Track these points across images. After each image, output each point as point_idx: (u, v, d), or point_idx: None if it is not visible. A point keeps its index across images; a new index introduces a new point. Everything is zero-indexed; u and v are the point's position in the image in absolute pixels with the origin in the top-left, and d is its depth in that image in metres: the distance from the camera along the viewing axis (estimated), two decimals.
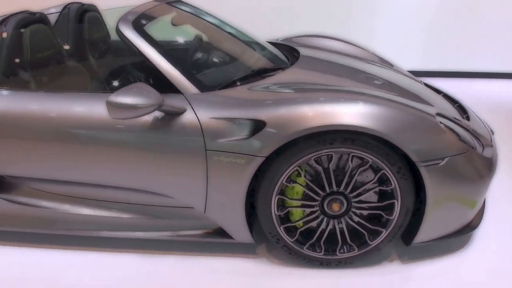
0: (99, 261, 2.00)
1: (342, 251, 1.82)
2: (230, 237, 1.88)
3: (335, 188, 1.71)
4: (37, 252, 2.06)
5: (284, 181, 1.69)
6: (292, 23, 4.56)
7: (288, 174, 1.67)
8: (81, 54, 2.55)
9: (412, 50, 4.56)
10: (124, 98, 1.61)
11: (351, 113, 1.60)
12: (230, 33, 2.46)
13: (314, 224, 1.80)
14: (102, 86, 2.29)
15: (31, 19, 2.18)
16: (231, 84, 1.91)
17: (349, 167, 1.67)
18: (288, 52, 2.52)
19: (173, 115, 1.73)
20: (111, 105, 1.61)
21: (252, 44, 2.45)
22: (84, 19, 2.63)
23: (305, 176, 1.71)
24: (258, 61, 2.25)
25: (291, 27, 3.87)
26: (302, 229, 1.80)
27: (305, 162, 1.66)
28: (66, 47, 2.42)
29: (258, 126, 1.64)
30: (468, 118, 2.15)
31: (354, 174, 1.69)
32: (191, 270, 1.93)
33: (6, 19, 2.13)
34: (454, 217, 1.81)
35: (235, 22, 2.65)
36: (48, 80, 2.24)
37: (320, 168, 1.68)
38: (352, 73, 2.25)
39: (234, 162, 1.68)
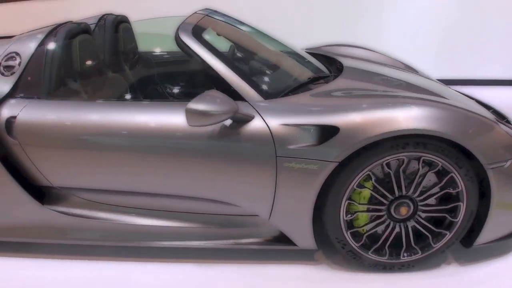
0: (156, 271, 1.96)
1: (406, 254, 1.85)
2: (292, 243, 1.88)
3: (404, 192, 1.75)
4: (93, 264, 2.02)
5: (355, 186, 1.72)
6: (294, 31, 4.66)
7: (360, 178, 1.70)
8: (119, 64, 2.54)
9: (425, 58, 4.71)
10: (203, 105, 1.61)
11: (424, 118, 1.65)
12: (271, 43, 2.50)
13: (380, 228, 1.82)
14: (158, 95, 2.28)
15: (78, 30, 2.15)
16: (290, 92, 1.94)
17: (418, 171, 1.71)
18: (325, 62, 2.57)
19: (241, 122, 1.74)
20: (189, 113, 1.62)
21: (293, 53, 2.49)
22: (119, 30, 2.63)
23: (376, 181, 1.74)
24: (305, 70, 2.28)
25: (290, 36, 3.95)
26: (368, 233, 1.83)
27: (377, 167, 1.69)
28: (109, 57, 2.40)
29: (330, 131, 1.67)
30: (509, 122, 2.24)
31: (423, 178, 1.73)
32: (253, 278, 1.91)
33: (56, 28, 2.10)
34: (510, 219, 1.88)
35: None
36: (98, 90, 2.21)
37: (389, 172, 1.71)
38: (396, 80, 2.31)
39: (306, 168, 1.69)
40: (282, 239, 1.92)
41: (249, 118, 1.73)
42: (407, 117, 1.65)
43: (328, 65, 2.49)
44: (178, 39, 1.92)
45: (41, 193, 2.01)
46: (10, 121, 1.89)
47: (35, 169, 1.92)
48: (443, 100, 1.90)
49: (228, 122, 1.74)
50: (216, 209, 1.89)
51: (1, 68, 2.00)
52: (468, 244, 1.87)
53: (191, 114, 1.63)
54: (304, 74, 2.21)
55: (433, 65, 4.63)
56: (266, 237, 1.93)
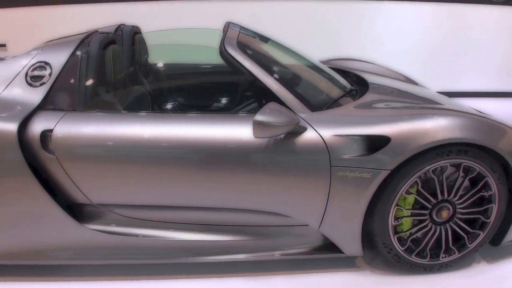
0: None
1: (444, 255, 1.96)
2: (339, 251, 1.93)
3: (445, 196, 1.87)
4: (133, 284, 1.93)
5: (404, 192, 1.81)
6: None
7: (409, 185, 1.80)
8: (137, 75, 2.47)
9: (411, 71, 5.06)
10: (269, 118, 1.65)
11: (465, 127, 1.79)
12: (294, 56, 2.55)
13: (423, 231, 1.92)
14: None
15: (108, 40, 2.08)
16: (332, 104, 2.01)
17: (459, 176, 1.85)
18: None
19: (294, 134, 1.77)
20: (257, 124, 1.65)
21: (316, 67, 2.54)
22: (136, 41, 2.58)
23: (421, 187, 1.84)
24: (333, 84, 2.35)
25: None
26: (412, 237, 1.92)
27: (424, 173, 1.80)
28: (128, 68, 2.33)
29: (381, 141, 1.75)
30: None
31: (462, 182, 1.86)
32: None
33: (86, 38, 2.02)
34: None
35: None
36: (132, 102, 2.14)
37: (434, 178, 1.82)
38: (415, 93, 2.46)
39: (360, 177, 1.76)
40: (326, 247, 1.96)
41: (302, 130, 1.78)
42: (451, 127, 1.78)
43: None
44: (224, 52, 1.93)
45: (74, 211, 1.90)
46: (45, 135, 1.78)
47: (72, 185, 1.82)
48: (469, 111, 2.07)
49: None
50: (266, 221, 1.90)
51: (28, 78, 1.89)
52: (497, 243, 2.03)
53: (258, 126, 1.65)
54: (334, 87, 2.29)
55: (420, 77, 5.02)
56: (311, 246, 1.97)
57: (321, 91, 2.13)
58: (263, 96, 2.06)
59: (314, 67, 2.40)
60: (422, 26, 5.03)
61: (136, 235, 1.89)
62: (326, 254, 1.94)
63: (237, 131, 1.79)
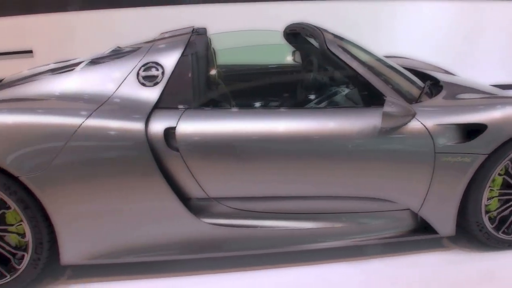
0: (311, 274, 2.03)
1: None
2: (433, 232, 2.09)
3: None
4: (228, 276, 2.02)
5: (497, 174, 2.00)
6: None
7: (501, 167, 1.99)
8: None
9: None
10: (397, 109, 1.84)
11: None
12: (373, 55, 2.59)
13: (510, 210, 2.12)
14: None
15: (206, 41, 2.17)
16: (419, 97, 2.16)
17: None
18: None
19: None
20: (386, 116, 1.83)
21: (392, 64, 2.58)
22: (209, 43, 2.67)
23: (510, 168, 2.03)
24: (409, 79, 2.45)
25: None
26: (500, 216, 2.11)
27: None
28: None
29: (478, 128, 1.94)
30: None
31: None
32: (402, 270, 2.06)
33: (190, 39, 2.10)
34: None
35: None
36: (239, 99, 2.23)
37: None
38: (474, 85, 2.65)
39: (461, 161, 1.94)
40: (417, 230, 2.12)
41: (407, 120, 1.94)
42: None
43: None
44: (328, 51, 2.07)
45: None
46: (168, 132, 1.86)
47: (191, 180, 1.89)
48: None
49: None
50: (370, 207, 2.04)
51: (141, 78, 1.96)
52: None
53: (387, 117, 1.82)
54: (411, 81, 2.40)
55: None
56: (406, 229, 2.11)
57: (405, 85, 2.29)
58: (339, 90, 2.22)
59: (388, 64, 2.56)
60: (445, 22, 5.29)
61: (243, 226, 1.98)
62: (420, 236, 2.10)
63: (346, 123, 1.92)
